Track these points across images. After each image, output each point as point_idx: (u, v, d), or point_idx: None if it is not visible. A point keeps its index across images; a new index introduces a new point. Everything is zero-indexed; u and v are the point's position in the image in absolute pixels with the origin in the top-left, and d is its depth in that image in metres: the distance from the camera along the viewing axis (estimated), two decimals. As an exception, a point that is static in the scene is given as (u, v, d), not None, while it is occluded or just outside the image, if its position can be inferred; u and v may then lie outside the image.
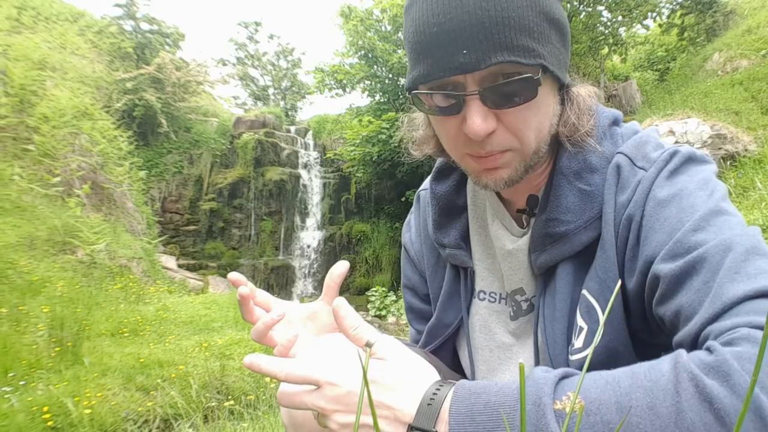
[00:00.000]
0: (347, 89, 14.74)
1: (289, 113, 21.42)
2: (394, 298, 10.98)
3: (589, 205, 0.76)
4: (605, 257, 0.72)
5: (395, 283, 12.78)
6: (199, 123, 14.74)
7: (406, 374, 0.60)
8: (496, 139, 0.70)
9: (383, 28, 13.58)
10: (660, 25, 13.62)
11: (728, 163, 7.54)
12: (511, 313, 0.88)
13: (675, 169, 0.71)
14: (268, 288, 13.16)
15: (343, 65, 14.19)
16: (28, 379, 3.74)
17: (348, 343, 0.64)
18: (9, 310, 4.82)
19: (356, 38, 13.36)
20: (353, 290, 13.87)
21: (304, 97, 23.16)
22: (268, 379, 4.26)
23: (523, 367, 0.34)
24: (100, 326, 5.25)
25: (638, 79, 14.34)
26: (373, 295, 11.37)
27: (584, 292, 0.75)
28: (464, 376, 0.97)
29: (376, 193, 15.17)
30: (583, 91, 0.79)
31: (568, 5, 11.54)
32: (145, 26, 14.37)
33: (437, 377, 0.62)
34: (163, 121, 12.89)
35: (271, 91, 23.33)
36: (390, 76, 13.64)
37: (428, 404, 0.57)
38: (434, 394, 0.58)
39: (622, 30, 12.59)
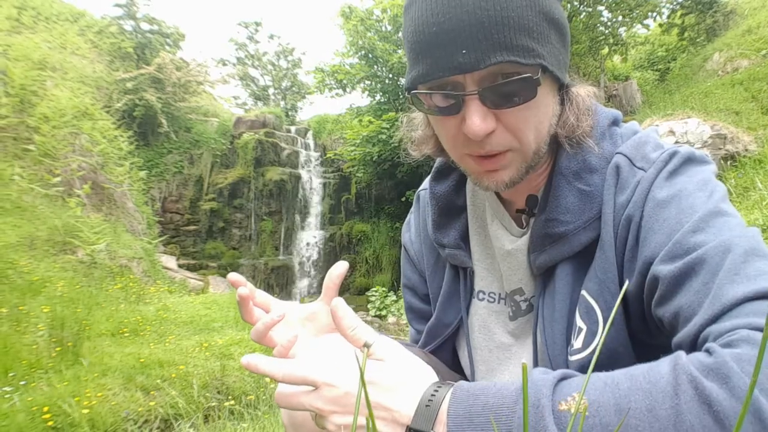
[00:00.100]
0: (347, 89, 14.74)
1: (290, 113, 21.42)
2: (394, 298, 10.98)
3: (588, 205, 0.76)
4: (604, 258, 0.72)
5: (395, 283, 12.78)
6: (199, 123, 14.74)
7: (404, 375, 0.60)
8: (495, 139, 0.70)
9: (383, 28, 13.59)
10: (660, 25, 13.62)
11: (728, 163, 7.54)
12: (510, 314, 0.88)
13: (674, 170, 0.70)
14: (268, 288, 13.17)
15: (344, 65, 14.19)
16: (29, 379, 3.74)
17: (347, 343, 0.64)
18: (9, 310, 4.82)
19: (356, 38, 13.37)
20: (353, 290, 13.87)
21: (304, 97, 23.16)
22: (268, 379, 4.26)
23: (526, 366, 0.34)
24: (100, 326, 5.25)
25: (638, 79, 14.34)
26: (373, 295, 11.37)
27: (583, 292, 0.74)
28: (464, 376, 0.97)
29: (376, 193, 15.17)
30: (583, 91, 0.78)
31: (569, 5, 11.54)
32: (145, 26, 14.38)
33: (435, 378, 0.62)
34: (164, 121, 12.90)
35: (271, 91, 23.34)
36: (390, 76, 13.65)
37: (426, 405, 0.57)
38: (432, 395, 0.58)
39: (622, 30, 12.58)
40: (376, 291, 11.47)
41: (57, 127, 8.48)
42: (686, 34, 13.50)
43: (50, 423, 3.24)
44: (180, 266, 11.43)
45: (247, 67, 22.91)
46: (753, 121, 8.34)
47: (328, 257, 14.74)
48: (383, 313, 10.72)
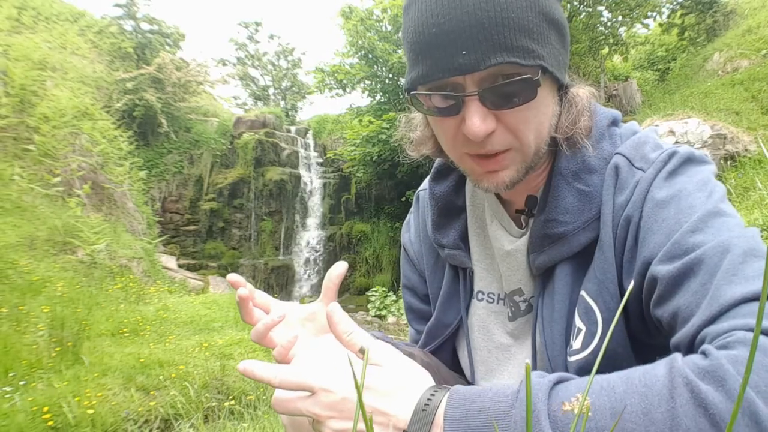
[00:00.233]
0: (347, 89, 14.75)
1: (290, 113, 21.42)
2: (394, 298, 10.98)
3: (587, 206, 0.75)
4: (603, 258, 0.72)
5: (395, 283, 12.78)
6: (199, 123, 14.74)
7: (401, 380, 0.60)
8: (495, 139, 0.70)
9: (383, 28, 13.59)
10: (660, 25, 13.63)
11: (728, 163, 7.55)
12: (510, 314, 0.88)
13: (673, 170, 0.70)
14: (268, 288, 13.18)
15: (344, 65, 14.20)
16: (29, 379, 3.74)
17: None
18: (9, 310, 4.82)
19: (356, 38, 13.37)
20: (353, 290, 13.87)
21: (304, 97, 23.16)
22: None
23: (529, 366, 0.33)
24: (100, 326, 5.25)
25: (638, 79, 14.34)
26: (373, 295, 11.37)
27: (582, 293, 0.74)
28: (464, 376, 0.97)
29: (376, 193, 15.18)
30: (582, 92, 0.78)
31: (569, 5, 11.54)
32: (145, 26, 14.38)
33: (432, 382, 0.62)
34: (164, 121, 12.89)
35: (271, 91, 23.33)
36: (390, 76, 13.65)
37: (423, 410, 0.57)
38: (429, 399, 0.57)
39: (622, 30, 12.58)
40: (376, 291, 11.48)
41: (57, 127, 8.48)
42: (686, 34, 13.51)
43: (50, 423, 3.24)
44: (180, 266, 11.43)
45: (247, 67, 22.91)
46: (753, 121, 8.34)
47: (328, 257, 14.75)
48: (383, 313, 10.72)
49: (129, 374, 4.02)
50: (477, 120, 0.67)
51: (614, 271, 0.71)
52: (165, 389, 3.94)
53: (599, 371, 0.54)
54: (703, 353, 0.51)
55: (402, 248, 1.08)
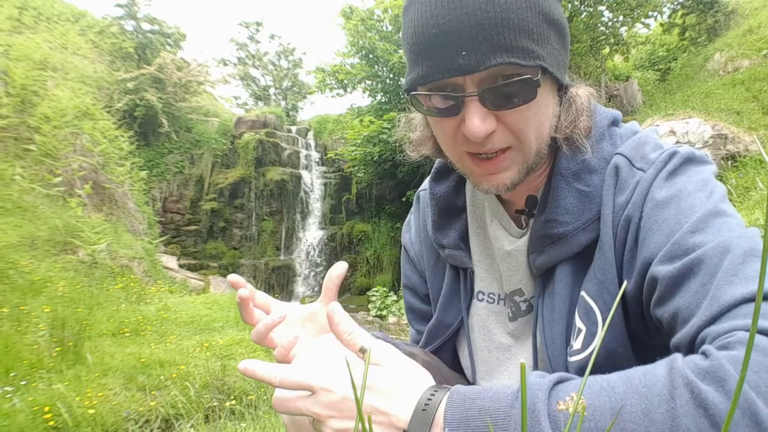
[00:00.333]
0: (348, 89, 14.75)
1: (290, 113, 21.42)
2: (395, 298, 10.97)
3: (587, 206, 0.75)
4: (604, 259, 0.72)
5: (396, 283, 12.78)
6: (200, 123, 14.75)
7: (401, 380, 0.60)
8: (495, 139, 0.70)
9: (384, 28, 13.59)
10: (661, 25, 13.62)
11: (729, 163, 7.54)
12: (510, 314, 0.88)
13: (674, 170, 0.70)
14: (269, 288, 13.18)
15: (344, 65, 14.20)
16: (30, 378, 3.74)
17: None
18: (10, 310, 4.83)
19: (357, 38, 13.37)
20: (354, 290, 13.87)
21: (305, 97, 23.15)
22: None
23: (524, 366, 0.33)
24: (101, 326, 5.25)
25: (639, 79, 14.33)
26: (374, 295, 11.37)
27: (583, 293, 0.74)
28: (464, 376, 0.97)
29: (377, 193, 15.17)
30: (582, 92, 0.78)
31: (569, 5, 11.54)
32: (146, 26, 14.39)
33: (432, 382, 0.62)
34: (164, 121, 12.90)
35: (272, 91, 23.33)
36: (391, 76, 13.65)
37: (423, 410, 0.57)
38: (429, 399, 0.58)
39: (623, 30, 12.57)
40: (376, 291, 11.47)
41: (58, 127, 8.49)
42: (687, 34, 13.50)
43: (51, 423, 3.25)
44: (181, 266, 11.44)
45: (247, 67, 22.91)
46: (754, 121, 8.34)
47: (329, 257, 14.75)
48: (384, 313, 10.72)
49: (130, 374, 4.03)
50: (477, 120, 0.67)
51: (614, 272, 0.71)
52: (166, 389, 3.94)
53: (599, 371, 0.54)
54: (704, 354, 0.51)
55: (402, 248, 1.07)
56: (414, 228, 1.04)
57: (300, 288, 14.44)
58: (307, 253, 15.02)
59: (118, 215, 9.01)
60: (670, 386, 0.49)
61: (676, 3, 13.12)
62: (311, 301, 0.82)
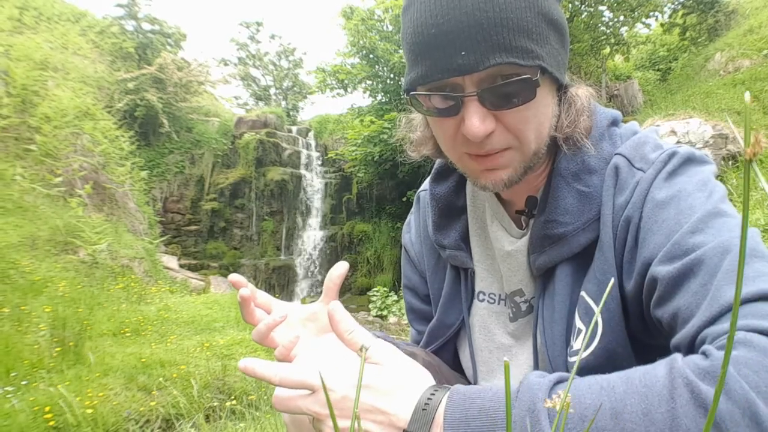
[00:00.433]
0: (349, 89, 14.74)
1: (291, 113, 21.42)
2: (395, 298, 10.97)
3: (587, 206, 0.75)
4: (603, 259, 0.72)
5: (396, 284, 12.78)
6: (200, 123, 14.75)
7: (401, 379, 0.60)
8: (495, 139, 0.70)
9: (385, 28, 13.58)
10: (662, 25, 13.61)
11: (730, 163, 7.54)
12: (511, 315, 0.88)
13: (673, 170, 0.70)
14: (270, 288, 13.18)
15: (345, 65, 14.19)
16: (30, 378, 3.75)
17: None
18: (11, 310, 4.83)
19: (358, 38, 13.36)
20: (355, 290, 13.87)
21: (305, 97, 23.14)
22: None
23: (508, 364, 0.34)
24: (101, 326, 5.25)
25: (640, 79, 14.31)
26: (374, 296, 11.37)
27: (583, 293, 0.74)
28: (465, 377, 0.97)
29: (377, 193, 15.17)
30: (581, 92, 0.78)
31: (570, 5, 11.53)
32: (146, 26, 14.39)
33: (432, 382, 0.62)
34: (165, 121, 12.90)
35: (272, 91, 23.32)
36: (391, 76, 13.64)
37: (423, 409, 0.57)
38: (429, 399, 0.57)
39: (623, 30, 12.56)
40: (377, 291, 11.47)
41: (58, 127, 8.49)
42: (688, 34, 13.49)
43: (52, 423, 3.25)
44: (181, 266, 11.44)
45: (248, 67, 22.91)
46: (755, 122, 8.33)
47: (330, 257, 14.75)
48: (384, 313, 10.72)
49: (130, 374, 4.03)
50: (476, 120, 0.67)
51: (614, 272, 0.71)
52: (166, 389, 3.94)
53: (599, 371, 0.55)
54: (704, 354, 0.51)
55: (403, 249, 1.07)
56: (414, 228, 1.04)
57: (300, 288, 14.44)
58: (308, 254, 15.02)
59: (119, 215, 9.02)
60: (670, 386, 0.49)
61: (676, 3, 13.11)
62: (312, 301, 0.82)
